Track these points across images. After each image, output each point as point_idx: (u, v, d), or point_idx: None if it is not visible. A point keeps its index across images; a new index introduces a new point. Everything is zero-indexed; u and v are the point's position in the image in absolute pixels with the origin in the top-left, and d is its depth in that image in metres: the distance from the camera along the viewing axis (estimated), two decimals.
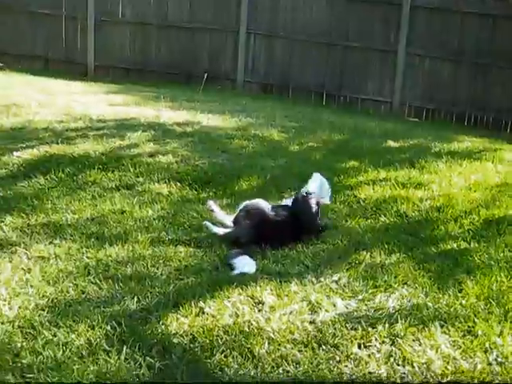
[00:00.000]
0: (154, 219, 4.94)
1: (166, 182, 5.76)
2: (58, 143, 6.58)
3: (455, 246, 4.74)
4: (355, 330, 3.38)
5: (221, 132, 7.71)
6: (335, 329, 3.37)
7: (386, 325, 3.43)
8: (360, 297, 3.81)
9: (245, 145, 7.19)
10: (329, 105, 12.78)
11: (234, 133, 7.71)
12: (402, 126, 10.24)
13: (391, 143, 8.10)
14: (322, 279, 4.02)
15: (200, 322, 3.37)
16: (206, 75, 11.33)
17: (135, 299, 3.58)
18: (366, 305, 3.71)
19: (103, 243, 4.42)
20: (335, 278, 4.05)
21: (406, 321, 3.47)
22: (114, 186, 5.64)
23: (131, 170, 5.96)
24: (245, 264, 4.14)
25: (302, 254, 4.45)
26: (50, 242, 4.40)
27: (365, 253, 4.50)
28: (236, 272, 4.06)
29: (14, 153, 6.20)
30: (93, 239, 4.48)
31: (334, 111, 11.51)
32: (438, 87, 12.52)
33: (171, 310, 3.48)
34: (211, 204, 4.75)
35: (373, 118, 11.04)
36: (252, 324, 3.37)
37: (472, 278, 4.14)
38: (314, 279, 4.01)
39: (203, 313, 3.47)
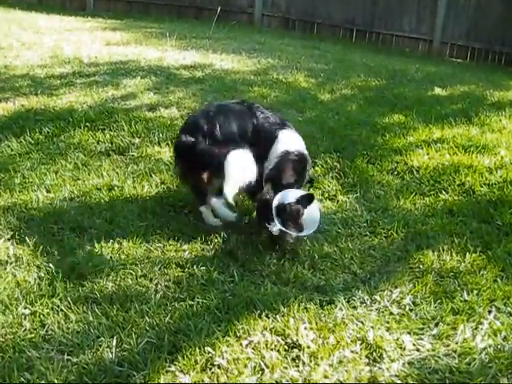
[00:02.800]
0: (149, 199, 3.83)
1: (168, 145, 4.64)
2: (37, 94, 5.46)
3: None
4: None
5: (237, 77, 6.63)
6: None
7: None
8: (434, 330, 2.69)
9: (266, 93, 6.11)
10: (359, 43, 11.33)
11: (253, 78, 6.68)
12: (446, 69, 8.89)
13: (438, 91, 6.94)
14: (378, 297, 2.92)
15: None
16: (219, 9, 9.96)
17: (114, 340, 2.47)
18: (444, 345, 2.59)
19: (81, 237, 3.31)
20: (396, 295, 2.94)
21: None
22: (102, 150, 4.54)
23: (125, 128, 4.85)
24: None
25: (347, 253, 3.33)
26: (12, 237, 3.30)
27: (430, 252, 3.37)
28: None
29: None
30: (67, 231, 3.37)
31: (365, 50, 10.16)
32: (485, 23, 10.86)
33: (165, 360, 2.37)
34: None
35: (410, 59, 9.72)
36: None
37: None
38: (366, 297, 2.91)
39: (213, 365, 2.37)
